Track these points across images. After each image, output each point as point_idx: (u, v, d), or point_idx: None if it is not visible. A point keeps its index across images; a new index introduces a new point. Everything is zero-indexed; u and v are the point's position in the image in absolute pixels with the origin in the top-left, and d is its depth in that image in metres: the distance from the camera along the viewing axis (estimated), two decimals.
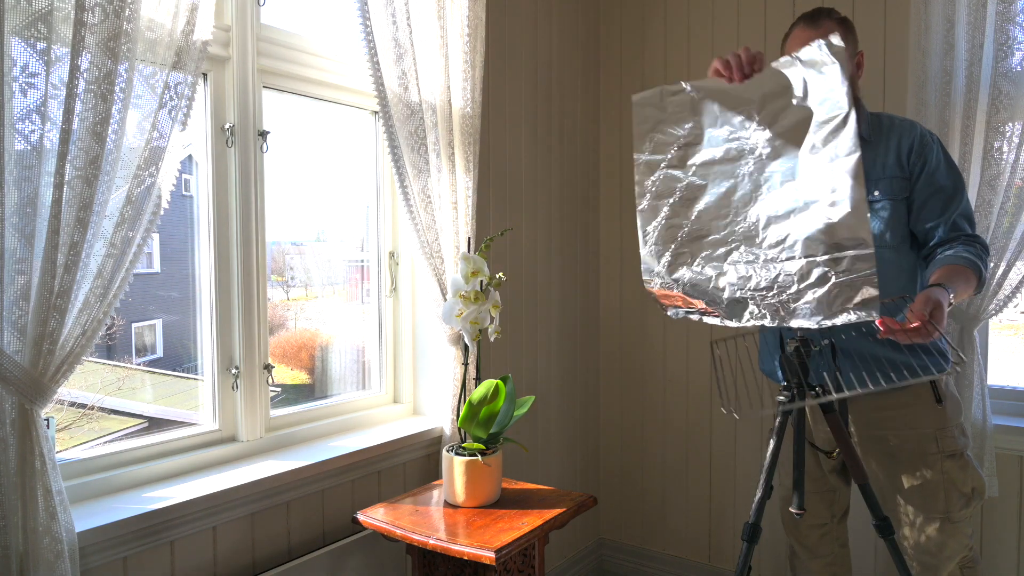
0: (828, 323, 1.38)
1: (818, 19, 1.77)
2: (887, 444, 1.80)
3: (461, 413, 1.84)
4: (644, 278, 1.61)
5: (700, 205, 1.54)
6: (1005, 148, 2.13)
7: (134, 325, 1.78)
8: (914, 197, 1.75)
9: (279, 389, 2.03)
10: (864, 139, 1.80)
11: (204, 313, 1.82)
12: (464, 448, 1.86)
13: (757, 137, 1.49)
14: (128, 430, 1.73)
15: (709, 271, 1.53)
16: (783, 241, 1.45)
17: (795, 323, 1.43)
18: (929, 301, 1.40)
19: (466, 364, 2.04)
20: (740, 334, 1.68)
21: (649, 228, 1.60)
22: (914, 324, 1.36)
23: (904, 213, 1.77)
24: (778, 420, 1.63)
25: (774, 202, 1.46)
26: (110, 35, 1.28)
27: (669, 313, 1.60)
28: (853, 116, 1.36)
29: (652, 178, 1.59)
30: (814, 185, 1.40)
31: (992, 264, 2.15)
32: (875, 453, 1.83)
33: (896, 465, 1.79)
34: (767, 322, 1.46)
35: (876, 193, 1.76)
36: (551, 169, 2.78)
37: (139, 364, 1.79)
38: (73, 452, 1.60)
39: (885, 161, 1.77)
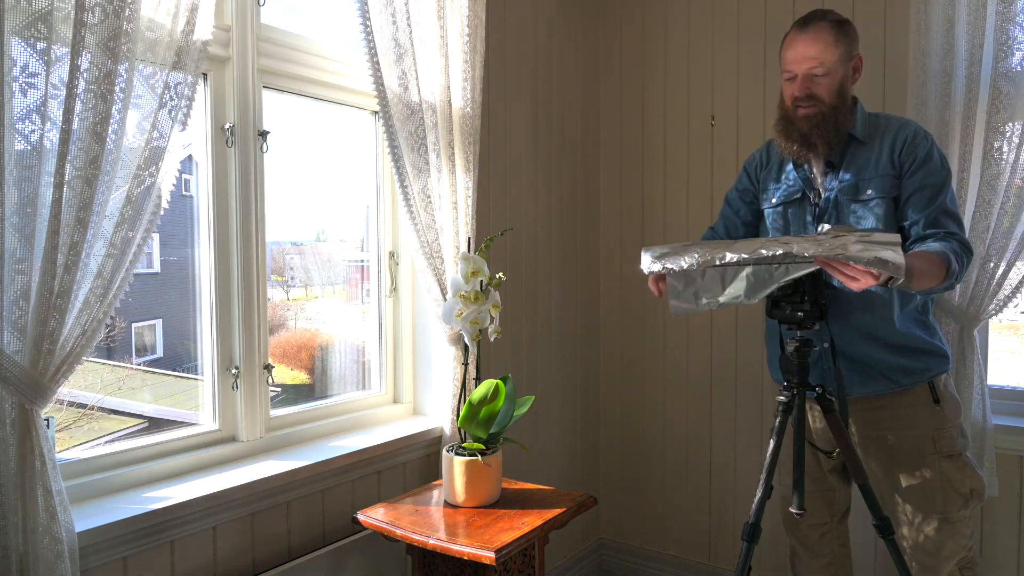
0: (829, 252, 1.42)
1: (810, 24, 1.76)
2: (886, 444, 1.81)
3: (461, 413, 1.84)
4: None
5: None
6: (1005, 148, 2.12)
7: (134, 325, 1.78)
8: (901, 192, 1.76)
9: (279, 389, 2.03)
10: (859, 140, 1.80)
11: (204, 313, 1.82)
12: (464, 448, 1.85)
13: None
14: (128, 430, 1.73)
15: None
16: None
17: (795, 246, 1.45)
18: None
19: (466, 364, 2.04)
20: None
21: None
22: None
23: (896, 210, 1.78)
24: (778, 420, 1.64)
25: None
26: (110, 35, 1.28)
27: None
28: None
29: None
30: None
31: (992, 264, 2.15)
32: (874, 453, 1.83)
33: (894, 464, 1.80)
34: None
35: (870, 192, 1.77)
36: (551, 169, 2.78)
37: (139, 364, 1.79)
38: (73, 452, 1.60)
39: (879, 160, 1.78)
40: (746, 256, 1.48)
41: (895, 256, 1.37)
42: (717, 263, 1.50)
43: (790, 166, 1.90)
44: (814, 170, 1.86)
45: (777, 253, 1.46)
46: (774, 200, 1.93)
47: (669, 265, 1.55)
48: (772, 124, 1.90)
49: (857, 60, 1.80)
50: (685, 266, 1.53)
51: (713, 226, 2.12)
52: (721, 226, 2.08)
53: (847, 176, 1.80)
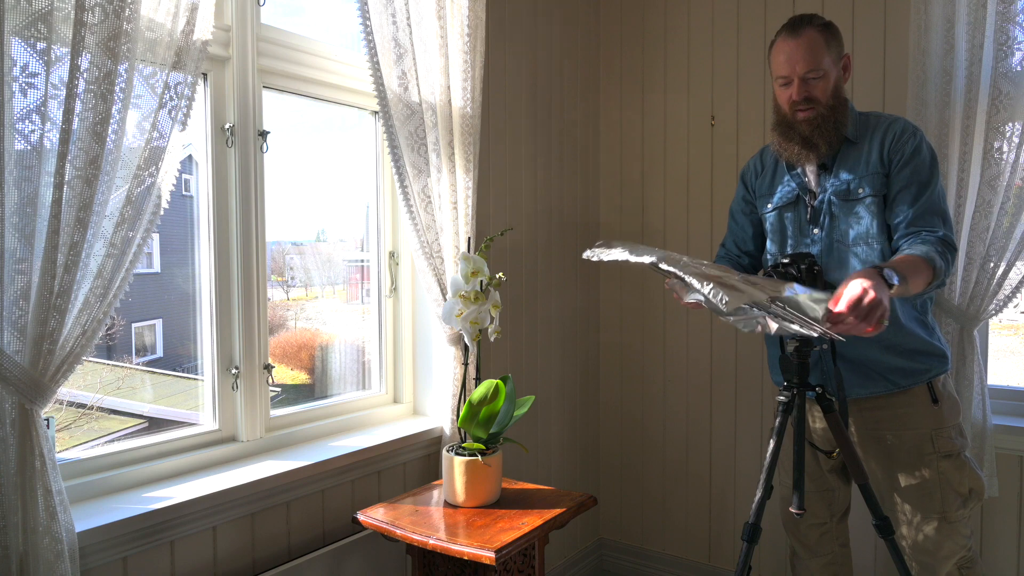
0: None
1: (799, 29, 1.77)
2: (885, 443, 1.81)
3: (461, 413, 1.84)
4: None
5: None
6: (1005, 148, 2.12)
7: (134, 325, 1.78)
8: (890, 188, 1.77)
9: (279, 389, 2.03)
10: (850, 140, 1.81)
11: (204, 313, 1.82)
12: (464, 448, 1.86)
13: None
14: (128, 430, 1.73)
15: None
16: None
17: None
18: (856, 294, 1.43)
19: (466, 364, 2.04)
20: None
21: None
22: (849, 320, 1.42)
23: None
24: (778, 420, 1.64)
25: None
26: (110, 35, 1.28)
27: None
28: None
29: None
30: None
31: (992, 264, 2.15)
32: (874, 453, 1.83)
33: (893, 464, 1.80)
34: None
35: (862, 191, 1.78)
36: (551, 169, 2.78)
37: (139, 364, 1.79)
38: (73, 452, 1.60)
39: (869, 158, 1.79)
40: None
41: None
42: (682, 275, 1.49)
43: (785, 170, 1.91)
44: (808, 173, 1.87)
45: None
46: (770, 205, 1.95)
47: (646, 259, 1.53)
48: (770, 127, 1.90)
49: (846, 60, 1.83)
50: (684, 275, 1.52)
51: (724, 242, 2.12)
52: (731, 241, 2.09)
53: (840, 176, 1.81)
